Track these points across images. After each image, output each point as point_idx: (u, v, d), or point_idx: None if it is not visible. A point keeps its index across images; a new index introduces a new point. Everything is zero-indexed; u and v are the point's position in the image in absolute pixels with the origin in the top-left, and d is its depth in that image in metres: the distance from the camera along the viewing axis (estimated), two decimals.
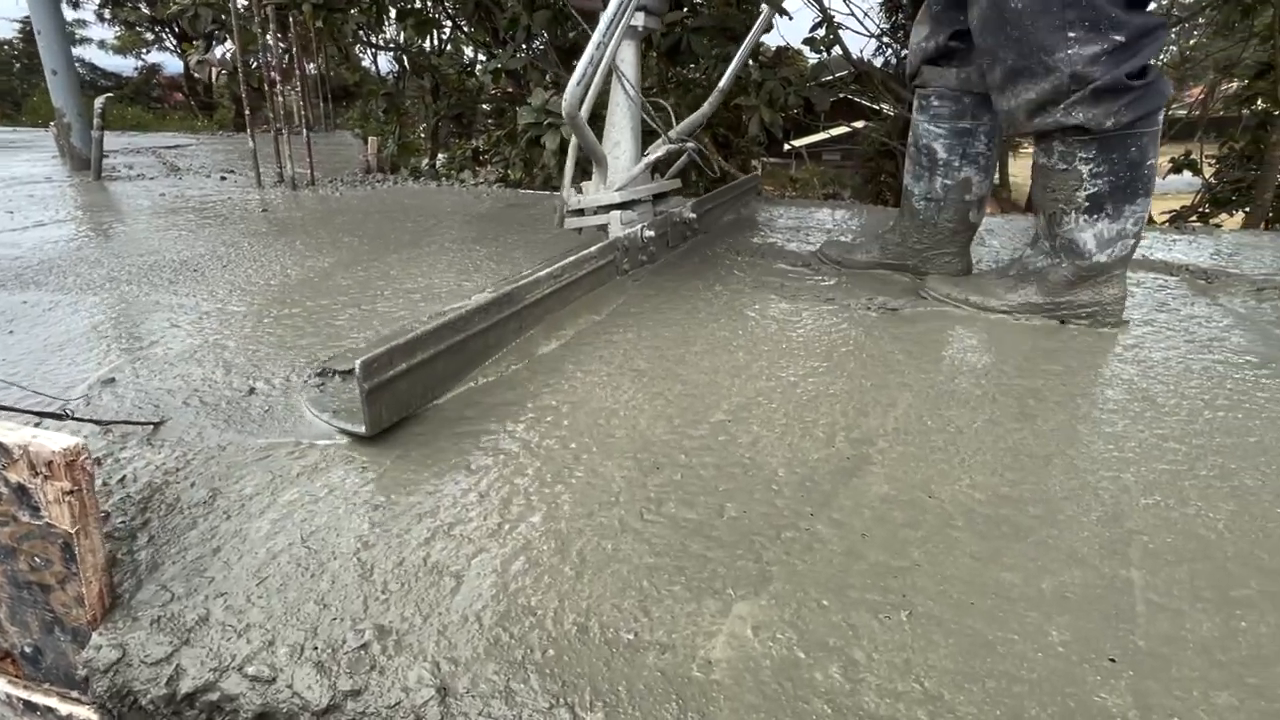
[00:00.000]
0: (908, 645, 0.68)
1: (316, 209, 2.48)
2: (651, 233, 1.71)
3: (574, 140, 1.64)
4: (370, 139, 3.87)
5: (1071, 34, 1.26)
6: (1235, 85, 6.07)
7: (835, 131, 7.85)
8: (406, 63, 5.90)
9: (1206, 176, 5.89)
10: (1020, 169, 7.97)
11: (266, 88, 2.77)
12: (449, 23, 5.58)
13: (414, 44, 5.60)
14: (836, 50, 5.07)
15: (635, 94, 1.65)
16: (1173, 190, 7.09)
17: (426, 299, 1.55)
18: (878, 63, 5.97)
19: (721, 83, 1.77)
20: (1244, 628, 0.70)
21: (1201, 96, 7.13)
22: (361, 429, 0.97)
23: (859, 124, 6.56)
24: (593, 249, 1.53)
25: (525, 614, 0.71)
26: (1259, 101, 5.62)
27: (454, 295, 1.58)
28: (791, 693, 0.63)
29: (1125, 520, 0.86)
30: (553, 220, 1.76)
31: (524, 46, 4.55)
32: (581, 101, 1.47)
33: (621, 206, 1.69)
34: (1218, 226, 5.42)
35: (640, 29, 1.64)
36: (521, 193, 2.81)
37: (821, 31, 4.78)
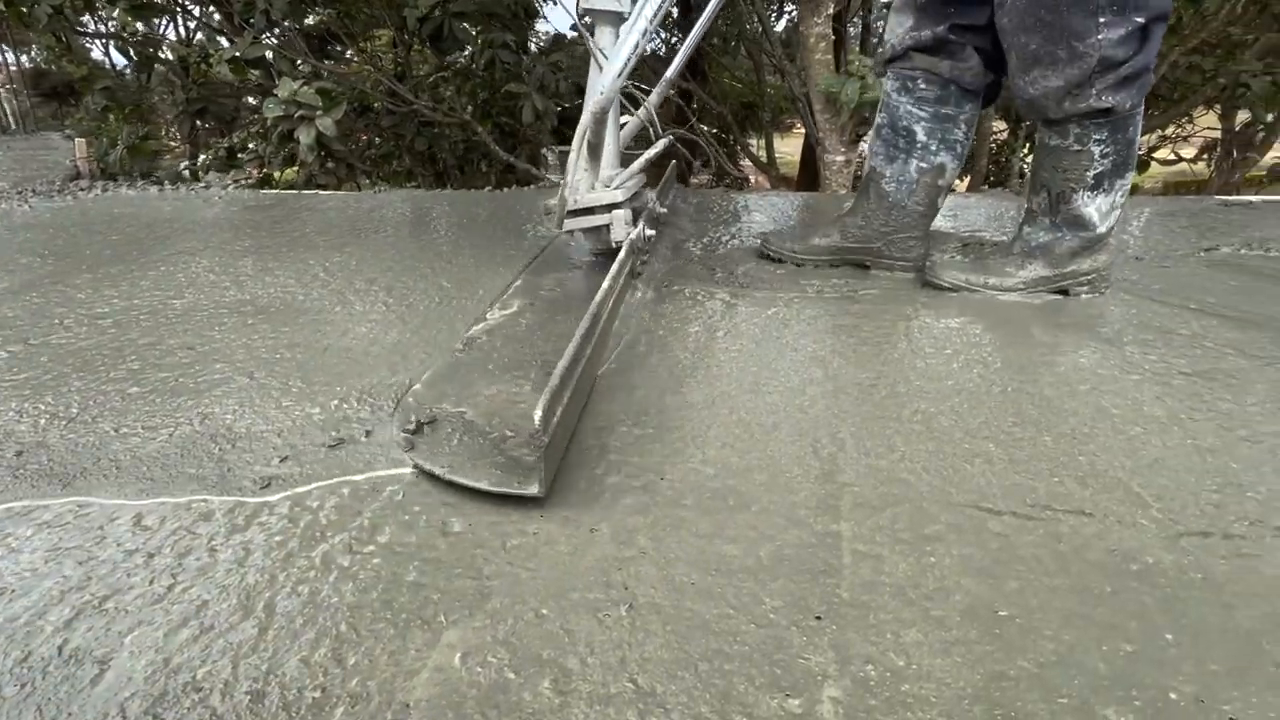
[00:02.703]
0: (624, 642, 0.65)
1: None
2: (653, 231, 1.58)
3: (580, 136, 1.44)
4: (78, 140, 3.31)
5: (1103, 18, 1.29)
6: None
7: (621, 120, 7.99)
8: (133, 53, 5.15)
9: None
10: (788, 147, 8.59)
11: None
12: (179, 7, 4.94)
13: (134, 31, 4.89)
14: None
15: (619, 84, 1.45)
16: None
17: (120, 325, 1.32)
18: (648, 49, 6.15)
19: (669, 72, 1.55)
20: (932, 562, 0.76)
21: None
22: (534, 489, 0.81)
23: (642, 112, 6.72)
24: (621, 254, 1.35)
25: (187, 692, 0.59)
26: None
27: (155, 316, 1.36)
28: None
29: (839, 475, 0.90)
30: (545, 219, 1.50)
31: (267, 33, 4.12)
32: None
33: (621, 205, 1.54)
34: (951, 190, 6.17)
35: (626, 14, 1.51)
36: (263, 193, 2.53)
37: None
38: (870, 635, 0.66)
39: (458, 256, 1.75)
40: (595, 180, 1.51)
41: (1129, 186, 1.50)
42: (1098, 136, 1.40)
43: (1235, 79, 4.74)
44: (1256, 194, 4.26)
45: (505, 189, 2.74)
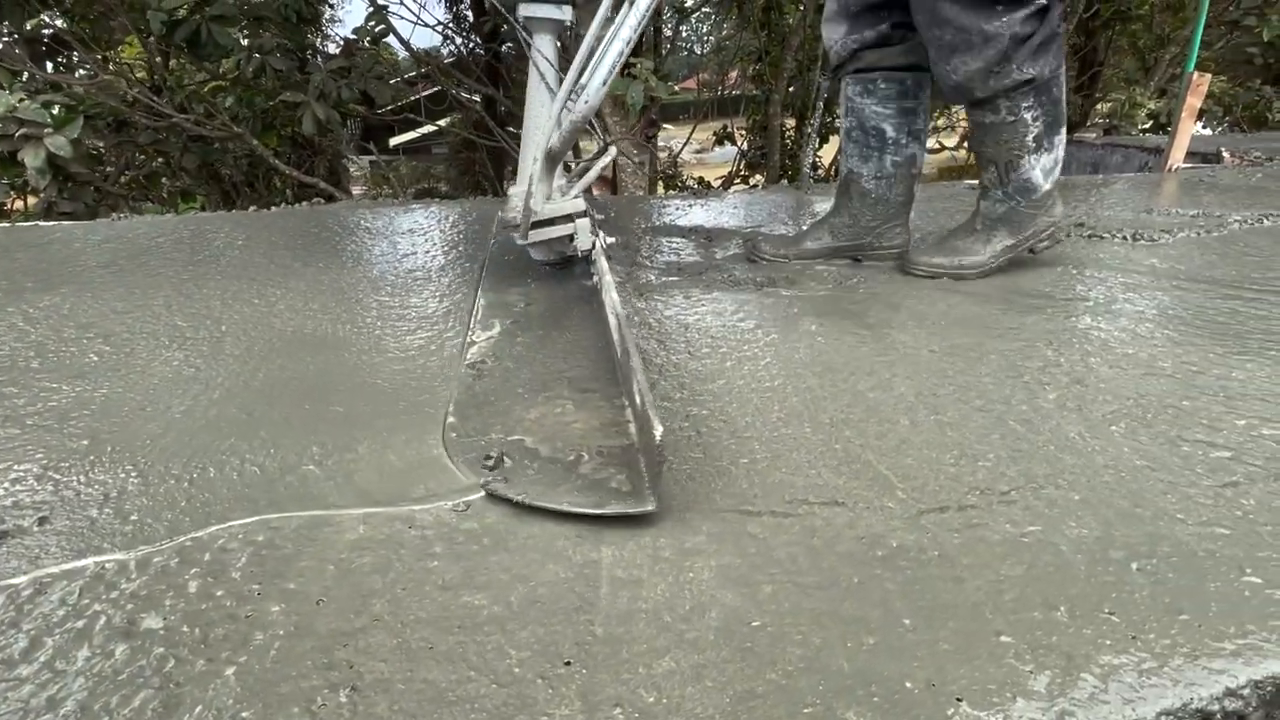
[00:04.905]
0: None
1: None
2: (613, 239, 1.57)
3: (549, 143, 1.36)
4: None
5: (999, 6, 1.39)
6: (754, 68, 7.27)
7: (426, 128, 7.68)
8: None
9: (740, 145, 7.01)
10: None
11: None
12: None
13: None
14: (398, 42, 4.88)
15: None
16: (720, 159, 8.37)
17: None
18: (445, 53, 5.94)
19: (603, 73, 1.35)
20: (691, 578, 0.73)
21: (735, 78, 8.47)
22: (649, 506, 0.81)
23: (443, 121, 6.47)
24: (602, 263, 1.39)
25: None
26: (765, 80, 6.80)
27: None
28: None
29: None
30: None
31: None
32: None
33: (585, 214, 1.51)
34: (754, 186, 6.50)
35: (568, 23, 1.47)
36: None
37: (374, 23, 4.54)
38: (622, 673, 0.62)
39: (201, 289, 1.55)
40: (550, 190, 1.47)
41: (1064, 140, 1.62)
42: (1026, 104, 1.51)
43: None
44: None
45: (274, 207, 2.49)
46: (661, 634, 0.66)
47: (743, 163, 6.82)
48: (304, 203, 2.77)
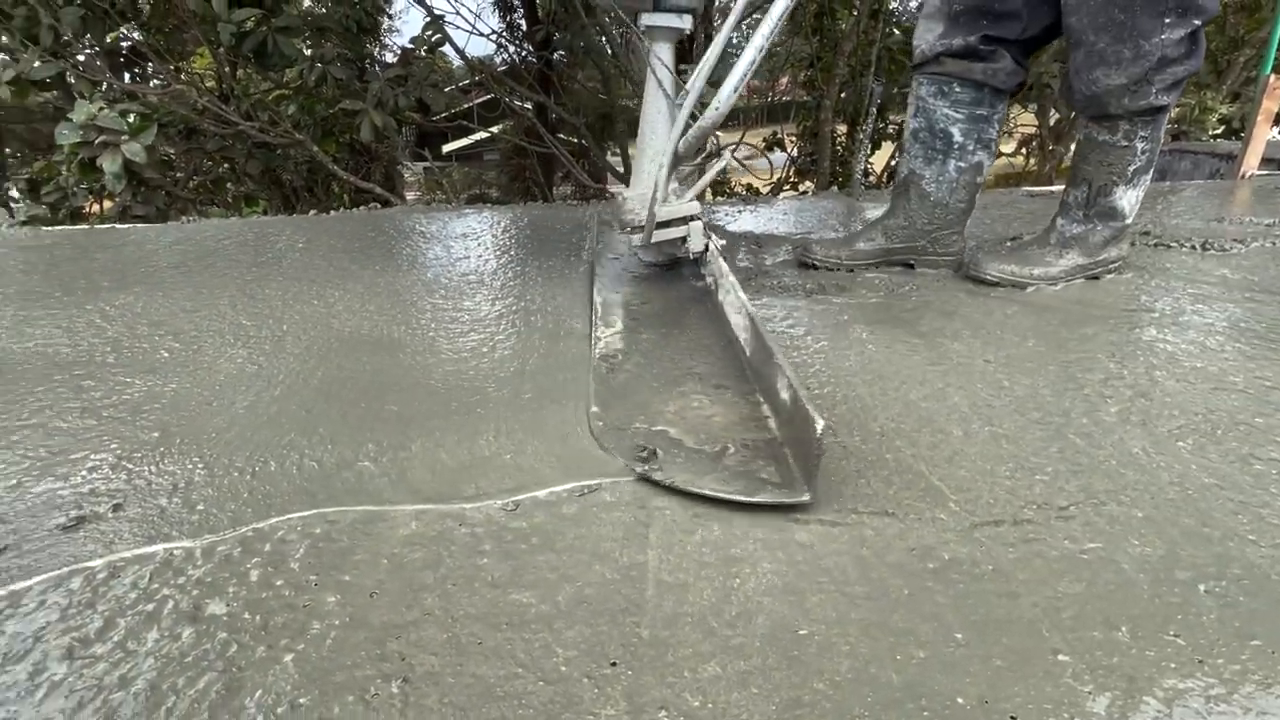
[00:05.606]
0: None
1: None
2: (723, 241, 1.57)
3: (673, 147, 1.42)
4: None
5: (1168, 19, 1.36)
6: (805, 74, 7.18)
7: (478, 135, 7.83)
8: None
9: (789, 151, 6.95)
10: None
11: None
12: None
13: None
14: (453, 50, 4.98)
15: (674, 97, 1.46)
16: (769, 165, 8.31)
17: None
18: (498, 61, 6.05)
19: (734, 80, 1.40)
20: (737, 585, 0.73)
21: (785, 84, 8.41)
22: (805, 496, 0.84)
23: (495, 128, 6.58)
24: (722, 265, 1.41)
25: None
26: (817, 86, 6.71)
27: None
28: None
29: (651, 500, 0.86)
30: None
31: (61, 51, 3.70)
32: None
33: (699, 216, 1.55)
34: (804, 193, 6.44)
35: (686, 31, 1.50)
36: (43, 231, 2.19)
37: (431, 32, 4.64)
38: (667, 676, 0.62)
39: (264, 290, 1.60)
40: (667, 194, 1.50)
41: (1149, 181, 1.60)
42: (1143, 133, 1.50)
43: (1038, 80, 5.22)
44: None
45: (333, 212, 2.57)
46: (707, 639, 0.66)
47: (792, 169, 6.75)
48: (361, 207, 2.85)
